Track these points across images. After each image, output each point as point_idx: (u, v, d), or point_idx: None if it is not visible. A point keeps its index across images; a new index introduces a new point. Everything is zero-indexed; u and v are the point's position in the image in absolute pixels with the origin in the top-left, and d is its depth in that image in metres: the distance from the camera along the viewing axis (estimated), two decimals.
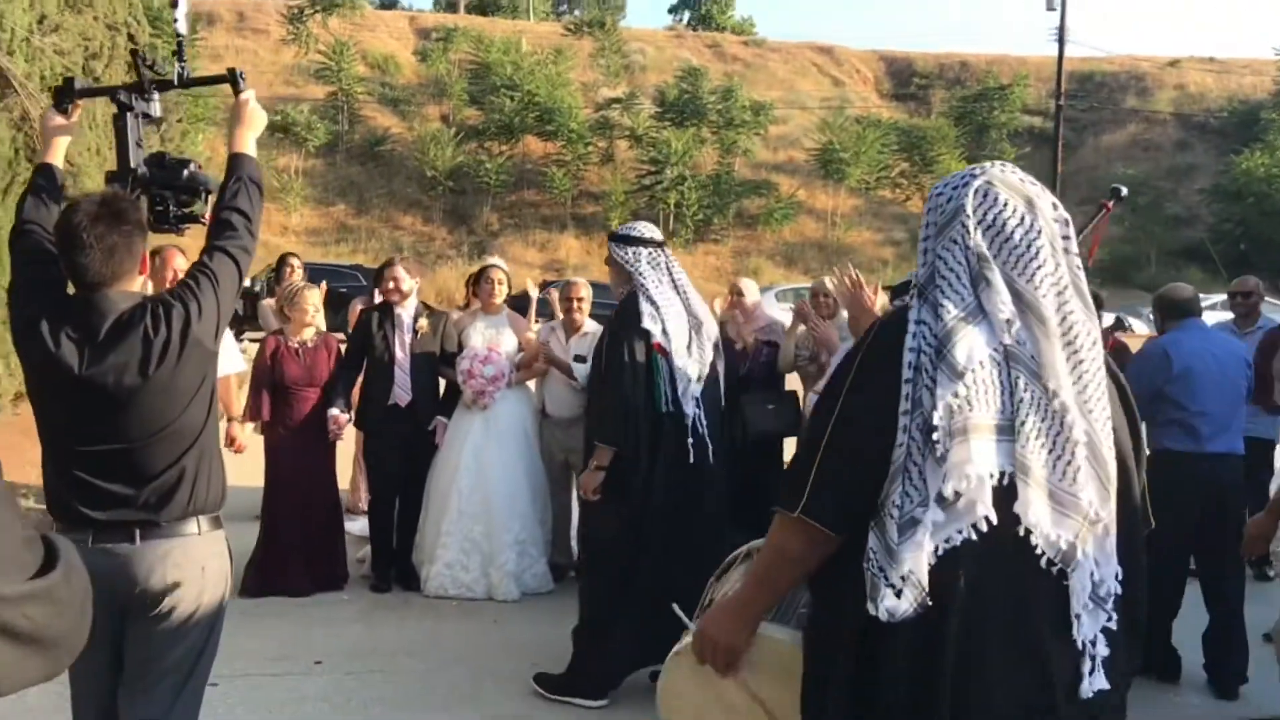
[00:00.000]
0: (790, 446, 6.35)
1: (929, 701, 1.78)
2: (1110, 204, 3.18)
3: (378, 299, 6.50)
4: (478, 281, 6.58)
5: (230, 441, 5.88)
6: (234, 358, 5.95)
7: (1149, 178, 39.09)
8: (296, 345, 6.04)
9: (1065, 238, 1.88)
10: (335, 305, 9.64)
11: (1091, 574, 1.83)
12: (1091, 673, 1.83)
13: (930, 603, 1.77)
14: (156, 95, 3.14)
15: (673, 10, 60.29)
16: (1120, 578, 1.89)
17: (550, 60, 38.70)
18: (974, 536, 1.76)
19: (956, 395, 1.77)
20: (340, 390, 6.14)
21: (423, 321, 6.18)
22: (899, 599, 1.77)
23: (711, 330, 4.77)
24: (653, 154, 34.79)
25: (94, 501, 2.72)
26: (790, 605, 2.13)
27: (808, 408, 5.73)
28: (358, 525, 6.99)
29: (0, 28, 9.27)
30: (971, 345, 1.79)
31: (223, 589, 2.89)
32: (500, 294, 6.40)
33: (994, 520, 1.76)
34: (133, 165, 3.04)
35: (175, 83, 3.12)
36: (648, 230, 4.77)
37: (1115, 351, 5.83)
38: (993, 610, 1.79)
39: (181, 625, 2.78)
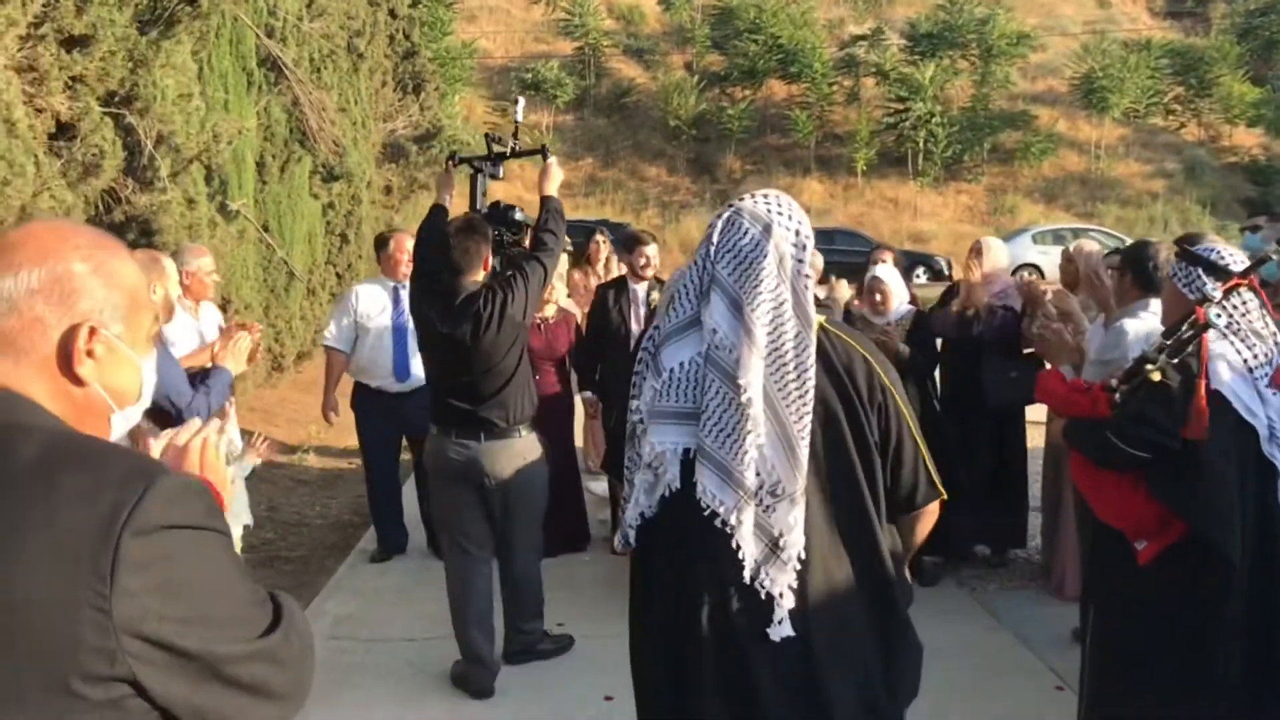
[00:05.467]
0: (1033, 414, 6.08)
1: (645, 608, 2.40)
2: None
3: (609, 271, 6.60)
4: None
5: None
6: None
7: None
8: (539, 321, 6.28)
9: (798, 260, 2.24)
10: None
11: (771, 535, 2.18)
12: (781, 621, 2.16)
13: (633, 543, 2.33)
14: (501, 164, 4.70)
15: None
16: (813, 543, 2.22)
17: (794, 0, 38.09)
18: (669, 494, 2.26)
19: (655, 388, 2.27)
20: (590, 371, 6.37)
21: (655, 295, 6.30)
22: (622, 538, 2.35)
23: None
24: (900, 90, 33.72)
25: (453, 413, 4.33)
26: None
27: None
28: (599, 485, 7.26)
29: (274, 16, 10.01)
30: (676, 350, 2.27)
31: (538, 471, 4.45)
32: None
33: (677, 485, 2.24)
34: (478, 209, 4.57)
35: (508, 154, 4.69)
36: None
37: None
38: (689, 549, 2.24)
39: (518, 496, 4.40)
